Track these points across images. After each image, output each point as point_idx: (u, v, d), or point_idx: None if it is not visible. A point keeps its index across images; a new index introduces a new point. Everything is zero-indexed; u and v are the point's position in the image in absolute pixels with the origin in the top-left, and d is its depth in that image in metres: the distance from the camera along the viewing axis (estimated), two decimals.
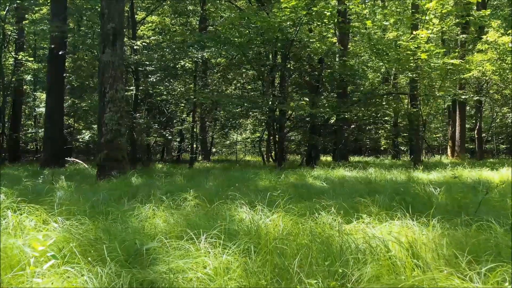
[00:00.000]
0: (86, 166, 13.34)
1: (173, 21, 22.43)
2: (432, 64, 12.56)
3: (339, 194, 6.41)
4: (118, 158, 8.67)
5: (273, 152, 22.61)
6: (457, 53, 12.97)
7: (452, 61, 12.22)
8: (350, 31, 18.76)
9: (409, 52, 12.68)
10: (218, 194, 6.31)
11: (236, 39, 15.77)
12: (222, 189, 7.02)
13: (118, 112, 8.74)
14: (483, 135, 27.29)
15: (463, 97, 13.38)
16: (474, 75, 14.86)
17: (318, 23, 14.61)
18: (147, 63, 15.84)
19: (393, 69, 15.38)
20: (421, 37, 12.08)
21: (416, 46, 12.29)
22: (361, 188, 7.12)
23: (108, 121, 8.65)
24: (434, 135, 30.37)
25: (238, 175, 9.30)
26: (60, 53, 14.41)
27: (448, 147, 26.00)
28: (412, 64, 12.74)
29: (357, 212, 4.84)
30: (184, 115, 22.79)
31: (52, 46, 14.86)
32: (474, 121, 27.84)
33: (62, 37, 14.12)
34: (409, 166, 13.87)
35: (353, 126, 18.68)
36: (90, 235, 3.34)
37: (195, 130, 22.33)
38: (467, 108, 25.47)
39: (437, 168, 10.82)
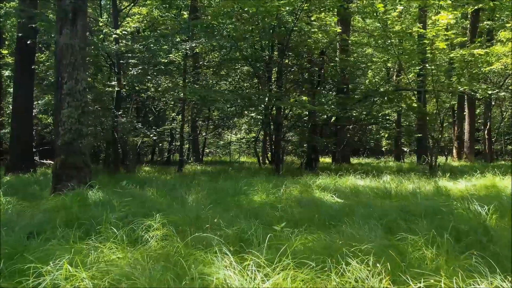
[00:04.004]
0: None
1: (163, 13, 20.66)
2: (453, 55, 10.94)
3: (361, 217, 4.76)
4: (78, 165, 6.95)
5: (269, 153, 20.98)
6: (479, 44, 11.37)
7: (476, 51, 10.60)
8: (353, 19, 17.20)
9: (426, 41, 11.07)
10: (199, 217, 4.64)
11: (231, 31, 14.14)
12: (205, 208, 5.36)
13: (79, 108, 7.02)
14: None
15: (490, 92, 11.85)
16: (494, 69, 13.27)
17: (320, 9, 12.96)
18: (130, 55, 14.13)
19: (402, 63, 13.75)
20: (441, 23, 10.46)
21: (434, 34, 10.67)
22: (386, 206, 5.48)
23: (66, 119, 6.92)
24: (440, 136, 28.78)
25: (228, 186, 7.63)
26: (28, 42, 12.69)
27: (454, 148, 24.43)
28: (429, 54, 11.12)
29: (402, 254, 3.20)
30: (173, 114, 21.10)
31: (20, 34, 13.13)
32: (480, 120, 26.36)
33: (30, 23, 12.35)
34: (423, 171, 12.27)
35: (353, 125, 17.04)
36: None
37: (185, 130, 20.66)
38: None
39: (465, 176, 9.20)
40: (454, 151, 24.14)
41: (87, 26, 8.10)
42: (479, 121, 26.48)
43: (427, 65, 11.10)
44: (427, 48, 11.12)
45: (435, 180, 8.31)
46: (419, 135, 14.94)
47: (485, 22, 14.36)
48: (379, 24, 15.90)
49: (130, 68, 13.76)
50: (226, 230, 3.82)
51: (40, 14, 12.01)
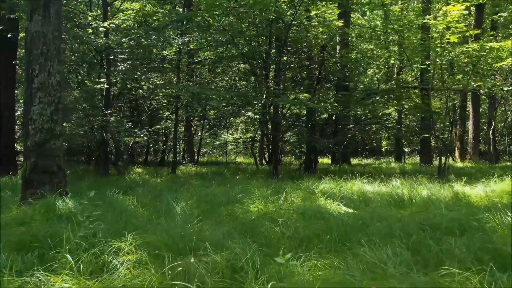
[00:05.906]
0: None
1: (157, 8, 19.77)
2: (464, 48, 10.18)
3: (379, 233, 3.98)
4: (50, 169, 6.12)
5: (267, 154, 20.20)
6: (491, 37, 10.62)
7: (490, 44, 9.84)
8: (352, 16, 16.48)
9: (435, 34, 10.30)
10: (184, 236, 3.81)
11: (227, 26, 13.35)
12: (193, 221, 4.56)
13: (52, 104, 6.20)
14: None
15: (505, 89, 11.09)
16: (505, 65, 12.52)
17: (321, 0, 12.19)
18: (120, 50, 13.30)
19: (406, 58, 12.98)
20: (453, 15, 9.70)
21: (445, 26, 9.90)
22: (405, 218, 4.69)
23: (37, 117, 6.10)
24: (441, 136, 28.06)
25: (222, 192, 6.82)
26: (9, 36, 11.87)
27: (456, 148, 23.67)
28: (438, 49, 10.36)
29: None
30: (167, 113, 20.28)
31: (1, 27, 12.28)
32: (482, 120, 25.65)
33: (10, 15, 11.52)
34: (431, 174, 11.51)
35: (352, 125, 16.24)
36: None
37: (180, 129, 19.83)
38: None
39: (482, 179, 8.42)
40: (456, 151, 23.39)
41: (62, 13, 7.26)
42: (481, 120, 25.77)
43: (437, 60, 10.32)
44: (436, 42, 10.35)
45: (450, 185, 7.53)
46: (427, 135, 14.16)
47: (498, 14, 13.63)
48: (379, 23, 15.12)
49: (119, 64, 12.94)
50: (214, 257, 3.02)
51: (20, 4, 11.16)
